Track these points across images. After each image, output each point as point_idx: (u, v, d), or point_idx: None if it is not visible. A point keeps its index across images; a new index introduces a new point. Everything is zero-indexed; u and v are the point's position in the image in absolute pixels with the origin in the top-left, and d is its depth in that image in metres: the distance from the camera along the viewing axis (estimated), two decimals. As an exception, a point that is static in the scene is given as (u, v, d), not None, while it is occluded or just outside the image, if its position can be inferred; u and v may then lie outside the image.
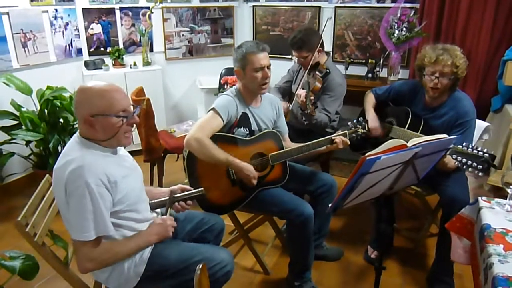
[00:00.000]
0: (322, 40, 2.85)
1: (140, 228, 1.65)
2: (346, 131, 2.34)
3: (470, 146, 1.91)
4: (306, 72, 2.80)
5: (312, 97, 2.54)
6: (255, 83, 2.19)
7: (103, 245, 1.53)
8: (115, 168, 1.55)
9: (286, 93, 3.19)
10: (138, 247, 1.62)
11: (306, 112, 2.49)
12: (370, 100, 2.71)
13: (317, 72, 2.76)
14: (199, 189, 1.83)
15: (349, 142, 2.31)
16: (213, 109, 2.16)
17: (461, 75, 2.26)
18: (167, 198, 1.80)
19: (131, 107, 1.60)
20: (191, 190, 1.84)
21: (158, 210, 1.86)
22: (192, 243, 1.82)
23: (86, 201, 1.44)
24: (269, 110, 2.37)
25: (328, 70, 2.78)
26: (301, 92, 2.56)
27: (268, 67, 2.19)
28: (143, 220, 1.68)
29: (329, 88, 2.81)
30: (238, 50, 2.21)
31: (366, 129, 2.39)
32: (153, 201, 1.80)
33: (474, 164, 1.85)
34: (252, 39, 4.76)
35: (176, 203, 1.79)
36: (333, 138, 2.28)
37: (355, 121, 2.41)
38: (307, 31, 2.87)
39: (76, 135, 1.59)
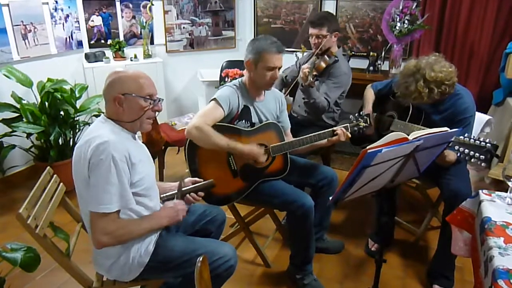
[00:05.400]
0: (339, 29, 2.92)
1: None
2: (348, 124, 2.34)
3: (472, 137, 1.90)
4: (315, 54, 2.82)
5: (314, 73, 2.61)
6: (262, 81, 2.20)
7: (119, 221, 1.56)
8: (135, 150, 1.61)
9: (287, 84, 3.18)
10: (151, 228, 1.66)
11: (306, 83, 2.55)
12: (369, 96, 2.70)
13: (325, 56, 2.80)
14: (209, 180, 1.88)
15: (350, 135, 2.31)
16: (214, 99, 2.16)
17: (441, 90, 2.19)
18: (182, 190, 1.84)
19: (157, 96, 1.69)
20: (201, 182, 1.88)
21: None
22: (197, 237, 1.84)
23: (111, 175, 1.49)
24: (272, 104, 2.37)
25: (336, 58, 2.82)
26: (305, 66, 2.61)
27: (279, 68, 2.21)
28: (153, 209, 1.70)
29: (334, 75, 2.82)
30: (256, 42, 2.19)
31: (368, 122, 2.39)
32: (164, 194, 1.82)
33: (477, 154, 1.84)
34: (253, 32, 4.74)
35: (188, 195, 1.83)
36: (334, 129, 2.28)
37: (356, 114, 2.41)
38: (331, 13, 2.96)
39: (101, 117, 1.66)
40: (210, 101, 2.18)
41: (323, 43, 2.80)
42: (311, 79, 2.54)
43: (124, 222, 1.58)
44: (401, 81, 2.27)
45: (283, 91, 3.15)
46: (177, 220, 1.71)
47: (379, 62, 3.98)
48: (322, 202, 2.37)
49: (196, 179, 1.90)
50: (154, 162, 3.36)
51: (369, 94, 2.70)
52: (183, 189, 1.84)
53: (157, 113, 1.71)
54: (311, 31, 2.84)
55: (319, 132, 2.28)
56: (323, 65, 2.77)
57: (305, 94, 2.70)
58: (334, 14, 4.18)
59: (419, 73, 2.19)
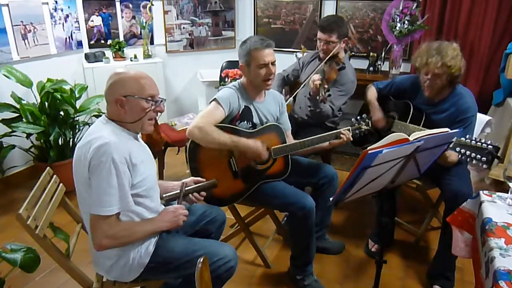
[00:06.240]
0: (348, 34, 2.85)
1: (149, 217, 1.68)
2: (350, 127, 2.33)
3: (474, 139, 1.90)
4: (324, 61, 2.76)
5: (326, 85, 2.54)
6: (258, 79, 2.19)
7: (120, 224, 1.56)
8: (136, 151, 1.61)
9: (289, 83, 3.16)
10: (151, 231, 1.66)
11: (318, 97, 2.50)
12: (372, 93, 2.70)
13: (334, 64, 2.75)
14: (212, 180, 1.87)
15: (352, 138, 2.30)
16: (215, 99, 2.15)
17: (457, 72, 2.22)
18: (185, 189, 1.82)
19: (159, 97, 1.68)
20: (203, 181, 1.87)
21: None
22: (196, 238, 1.83)
23: (111, 177, 1.48)
24: (272, 105, 2.36)
25: (344, 65, 2.79)
26: (316, 77, 2.55)
27: (273, 63, 2.19)
28: (154, 210, 1.70)
29: (340, 82, 2.80)
30: (242, 45, 2.20)
31: (370, 126, 2.39)
32: (166, 194, 1.81)
33: (478, 156, 1.85)
34: (253, 32, 4.74)
35: (190, 195, 1.82)
36: (336, 132, 2.27)
37: (358, 117, 2.41)
38: (340, 18, 2.89)
39: (102, 117, 1.65)
40: (211, 101, 2.18)
41: (332, 50, 2.75)
42: (324, 94, 2.47)
43: (124, 224, 1.58)
44: (430, 50, 2.25)
45: (283, 92, 3.14)
46: (177, 225, 1.71)
47: (379, 62, 3.98)
48: (323, 202, 2.37)
49: (199, 178, 1.89)
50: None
51: (372, 94, 2.70)
52: (186, 188, 1.83)
53: (159, 113, 1.70)
54: (320, 35, 2.79)
55: (321, 135, 2.27)
56: (334, 76, 2.72)
57: (312, 103, 2.68)
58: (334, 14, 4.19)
59: (444, 43, 2.25)
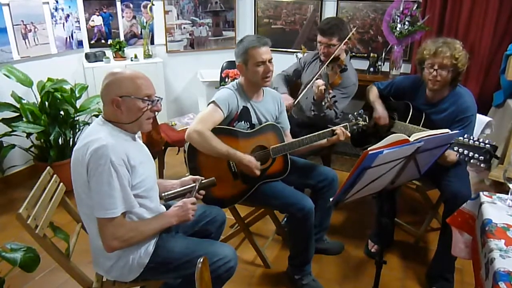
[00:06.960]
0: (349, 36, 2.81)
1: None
2: (347, 124, 2.34)
3: (472, 138, 1.91)
4: (326, 64, 2.74)
5: (330, 91, 2.52)
6: (257, 77, 2.19)
7: (128, 224, 1.57)
8: (134, 152, 1.60)
9: (291, 82, 3.15)
10: (160, 227, 1.67)
11: (324, 103, 2.48)
12: (374, 92, 2.70)
13: (336, 67, 2.73)
14: (211, 178, 1.87)
15: (349, 134, 2.31)
16: (213, 102, 2.15)
17: (462, 68, 2.25)
18: (185, 188, 1.82)
19: (155, 96, 1.67)
20: (202, 180, 1.86)
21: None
22: (196, 238, 1.83)
23: (112, 179, 1.48)
24: (271, 105, 2.36)
25: (346, 67, 2.77)
26: (320, 83, 2.54)
27: (270, 60, 2.19)
28: (155, 211, 1.70)
29: (343, 85, 2.79)
30: (239, 45, 2.21)
31: (367, 121, 2.39)
32: (166, 193, 1.80)
33: (476, 155, 1.85)
34: (254, 32, 4.74)
35: (188, 193, 1.81)
36: (334, 129, 2.27)
37: (356, 113, 2.41)
38: (341, 20, 2.86)
39: (99, 119, 1.64)
40: (209, 104, 2.18)
41: (333, 52, 2.72)
42: (329, 100, 2.43)
43: (132, 224, 1.59)
44: (437, 43, 2.30)
45: (287, 92, 3.12)
46: (186, 219, 1.71)
47: (379, 63, 3.98)
48: (323, 203, 2.37)
49: (198, 177, 1.89)
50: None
51: (374, 91, 2.69)
52: (183, 188, 1.83)
53: (156, 112, 1.70)
54: (320, 39, 2.78)
55: (319, 132, 2.28)
56: (338, 81, 2.71)
57: (316, 108, 2.68)
58: (335, 15, 4.19)
59: (448, 38, 2.32)
